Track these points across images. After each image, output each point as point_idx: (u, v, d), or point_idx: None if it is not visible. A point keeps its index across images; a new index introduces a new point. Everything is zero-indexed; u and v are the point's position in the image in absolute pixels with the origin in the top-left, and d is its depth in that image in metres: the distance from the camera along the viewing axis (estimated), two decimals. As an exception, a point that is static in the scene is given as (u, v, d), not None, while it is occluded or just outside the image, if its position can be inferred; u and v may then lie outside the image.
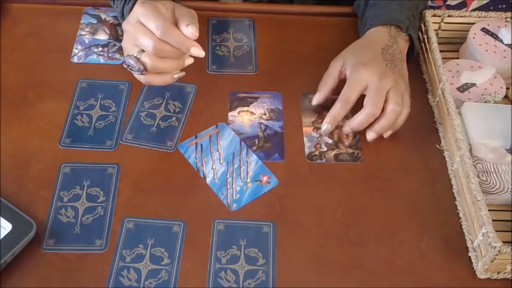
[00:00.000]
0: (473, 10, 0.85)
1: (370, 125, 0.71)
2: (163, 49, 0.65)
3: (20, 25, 0.85)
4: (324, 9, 0.89)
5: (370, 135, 0.71)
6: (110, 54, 0.82)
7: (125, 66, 0.67)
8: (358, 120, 0.70)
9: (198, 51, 0.66)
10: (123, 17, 0.76)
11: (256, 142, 0.73)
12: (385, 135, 0.72)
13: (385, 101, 0.69)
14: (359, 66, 0.70)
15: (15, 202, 0.64)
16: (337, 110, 0.70)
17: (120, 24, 0.86)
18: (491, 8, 1.46)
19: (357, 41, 0.77)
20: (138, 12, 0.66)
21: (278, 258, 0.62)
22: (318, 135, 0.73)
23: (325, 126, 0.71)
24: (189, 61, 0.69)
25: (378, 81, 0.69)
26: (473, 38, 0.80)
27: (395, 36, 0.75)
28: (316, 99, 0.74)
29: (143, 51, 0.66)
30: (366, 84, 0.69)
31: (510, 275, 0.61)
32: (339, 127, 0.74)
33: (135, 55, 0.66)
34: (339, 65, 0.73)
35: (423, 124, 0.75)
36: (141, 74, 0.67)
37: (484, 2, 1.46)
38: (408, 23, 0.76)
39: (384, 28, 0.75)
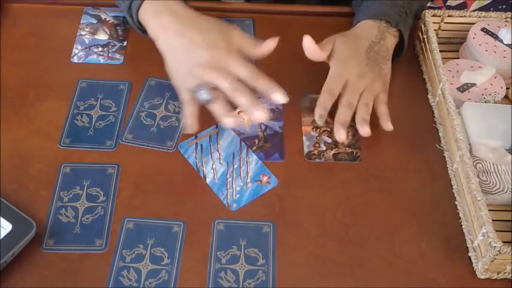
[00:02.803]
0: (474, 11, 0.85)
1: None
2: (245, 99, 0.66)
3: (20, 25, 0.85)
4: (324, 9, 0.89)
5: (339, 134, 0.71)
6: (110, 54, 0.82)
7: (198, 94, 0.67)
8: (337, 115, 0.72)
9: (282, 98, 0.67)
10: (130, 12, 0.75)
11: (256, 142, 0.73)
12: (388, 127, 0.73)
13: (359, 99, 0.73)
14: (342, 62, 0.73)
15: (15, 202, 0.64)
16: (325, 99, 0.72)
17: (119, 24, 0.86)
18: (492, 9, 1.46)
19: (348, 31, 0.78)
20: (220, 54, 0.68)
21: (278, 258, 0.62)
22: (317, 134, 0.73)
23: (318, 115, 0.71)
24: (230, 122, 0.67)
25: (356, 79, 0.72)
26: (473, 38, 0.80)
27: (384, 31, 0.75)
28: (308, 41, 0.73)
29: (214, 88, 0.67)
30: (346, 80, 0.72)
31: (510, 275, 0.61)
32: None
33: (207, 87, 0.67)
34: (331, 44, 0.75)
35: (423, 124, 0.75)
36: (207, 102, 0.67)
37: (485, 3, 1.46)
38: (398, 19, 0.76)
39: (374, 22, 0.76)
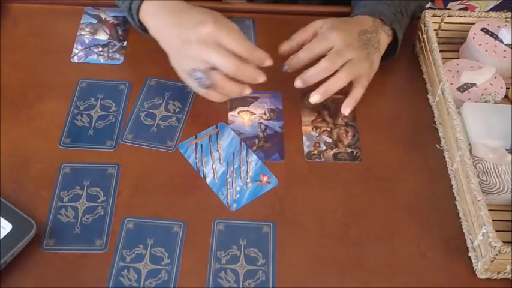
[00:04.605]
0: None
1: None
2: (243, 71, 0.66)
3: (20, 25, 0.85)
4: (324, 9, 0.89)
5: (314, 98, 0.71)
6: (109, 54, 0.82)
7: (195, 75, 0.67)
8: (310, 73, 0.70)
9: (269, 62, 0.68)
10: (130, 12, 0.75)
11: (256, 142, 0.73)
12: (345, 112, 0.73)
13: (340, 68, 0.70)
14: (333, 29, 0.72)
15: (15, 202, 0.64)
16: (299, 56, 0.72)
17: (119, 24, 0.85)
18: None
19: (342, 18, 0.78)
20: (210, 29, 0.66)
21: (278, 258, 0.62)
22: (317, 134, 0.73)
23: (285, 67, 0.72)
24: (247, 91, 0.69)
25: (343, 47, 0.71)
26: (473, 38, 0.80)
27: (377, 27, 0.75)
28: (286, 45, 0.74)
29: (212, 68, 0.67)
30: (332, 45, 0.71)
31: (510, 275, 0.61)
32: (338, 125, 0.74)
33: (203, 70, 0.66)
34: (317, 25, 0.75)
35: (423, 124, 0.75)
36: (206, 88, 0.68)
37: (488, 8, 1.47)
38: (393, 18, 0.76)
39: (369, 17, 0.76)
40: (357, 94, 0.73)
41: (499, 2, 1.46)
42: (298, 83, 0.71)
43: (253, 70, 0.67)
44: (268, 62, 0.68)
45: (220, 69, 0.66)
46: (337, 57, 0.70)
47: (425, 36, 0.80)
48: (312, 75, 0.70)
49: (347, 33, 0.72)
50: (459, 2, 1.48)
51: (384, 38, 0.76)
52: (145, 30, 0.76)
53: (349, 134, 0.74)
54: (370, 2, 0.78)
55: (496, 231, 0.58)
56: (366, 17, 0.76)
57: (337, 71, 0.70)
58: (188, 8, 0.72)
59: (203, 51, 0.66)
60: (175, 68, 0.71)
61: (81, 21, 0.86)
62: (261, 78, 0.67)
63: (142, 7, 0.74)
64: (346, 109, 0.73)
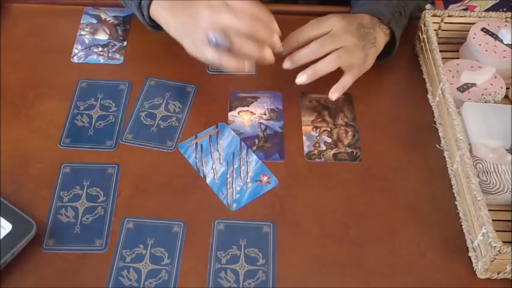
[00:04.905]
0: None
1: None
2: (258, 27, 0.65)
3: (20, 25, 0.85)
4: (324, 9, 0.89)
5: (300, 79, 0.70)
6: (109, 54, 0.82)
7: (211, 40, 0.65)
8: (299, 54, 0.70)
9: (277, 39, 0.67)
10: (141, 10, 0.74)
11: (256, 142, 0.73)
12: (332, 96, 0.72)
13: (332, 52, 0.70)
14: (333, 16, 0.72)
15: (15, 202, 0.64)
16: (295, 36, 0.71)
17: (119, 24, 0.86)
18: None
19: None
20: None
21: (278, 258, 0.62)
22: (317, 134, 0.73)
23: (281, 49, 0.70)
24: (268, 52, 0.67)
25: (340, 32, 0.71)
26: (473, 38, 0.80)
27: (375, 24, 0.75)
28: (284, 44, 0.72)
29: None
30: (330, 29, 0.71)
31: (510, 275, 0.61)
32: (338, 125, 0.74)
33: (219, 32, 0.65)
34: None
35: (423, 124, 0.75)
36: (224, 51, 0.65)
37: (487, 6, 1.47)
38: (391, 17, 0.76)
39: (367, 15, 0.76)
40: (345, 81, 0.72)
41: (497, 0, 1.47)
42: (287, 64, 0.71)
43: (267, 27, 0.66)
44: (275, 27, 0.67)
45: (235, 27, 0.65)
46: (329, 40, 0.70)
47: (425, 36, 0.80)
48: (301, 56, 0.70)
49: (347, 22, 0.72)
50: (460, 3, 1.48)
51: (381, 37, 0.75)
52: (153, 26, 0.75)
53: (349, 134, 0.74)
54: (368, 1, 0.78)
55: (496, 231, 0.58)
56: (364, 15, 0.76)
57: (329, 54, 0.70)
58: None
59: (215, 13, 0.66)
60: (189, 48, 0.69)
61: (81, 21, 0.86)
62: (276, 35, 0.67)
63: (153, 2, 0.72)
64: (333, 94, 0.72)
